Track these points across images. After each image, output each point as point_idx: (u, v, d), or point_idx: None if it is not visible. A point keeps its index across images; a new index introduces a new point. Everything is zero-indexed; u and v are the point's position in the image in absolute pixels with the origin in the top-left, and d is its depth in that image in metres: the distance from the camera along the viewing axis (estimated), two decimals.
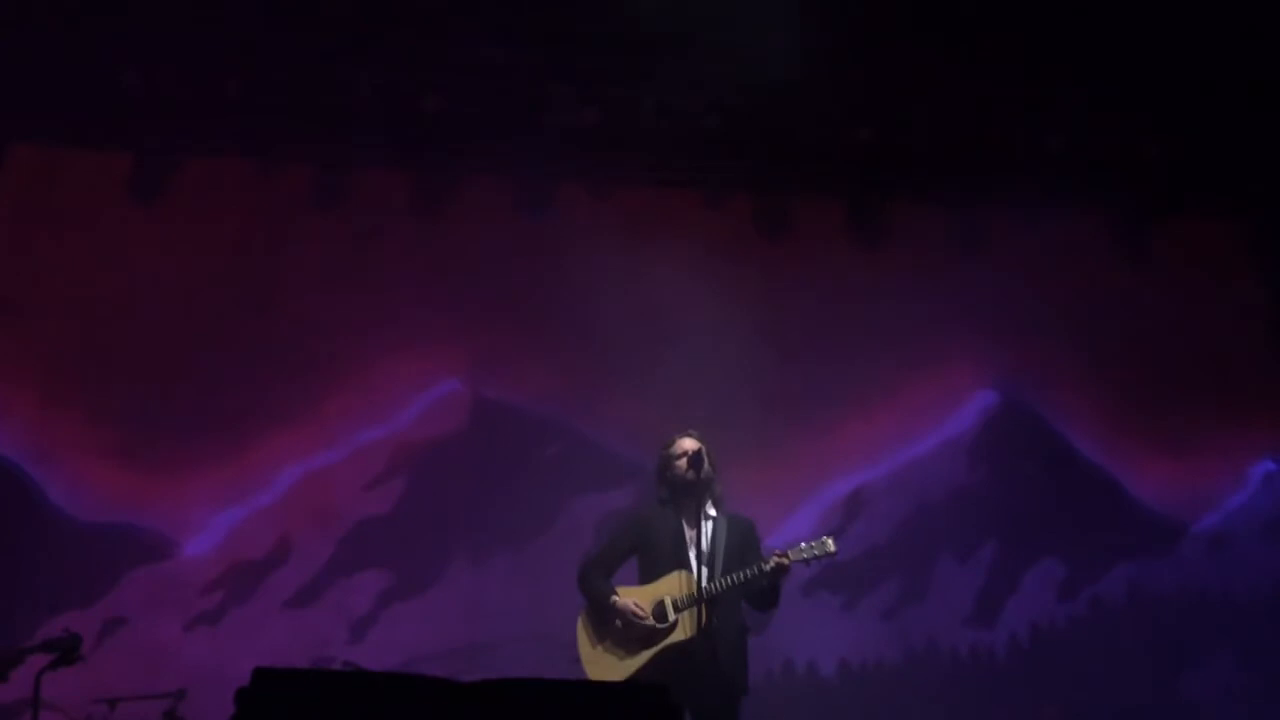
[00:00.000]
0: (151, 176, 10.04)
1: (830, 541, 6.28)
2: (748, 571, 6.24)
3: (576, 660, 6.39)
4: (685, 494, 6.37)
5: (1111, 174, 10.12)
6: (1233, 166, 10.41)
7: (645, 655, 6.22)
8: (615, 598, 6.27)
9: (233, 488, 10.01)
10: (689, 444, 6.45)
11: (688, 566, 6.28)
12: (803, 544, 6.30)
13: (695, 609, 6.12)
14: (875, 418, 10.77)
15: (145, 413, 9.80)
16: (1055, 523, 10.87)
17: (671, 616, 6.21)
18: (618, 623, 6.25)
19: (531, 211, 10.28)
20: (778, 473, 10.32)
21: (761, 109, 9.71)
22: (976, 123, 9.66)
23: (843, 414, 10.58)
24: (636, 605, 6.21)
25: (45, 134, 9.95)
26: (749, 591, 6.32)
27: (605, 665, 6.23)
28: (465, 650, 9.57)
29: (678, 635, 6.20)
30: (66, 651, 6.70)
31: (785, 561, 6.21)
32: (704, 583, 6.08)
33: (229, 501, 10.03)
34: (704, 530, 6.21)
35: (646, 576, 6.38)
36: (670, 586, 6.26)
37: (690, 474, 6.32)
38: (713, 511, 6.26)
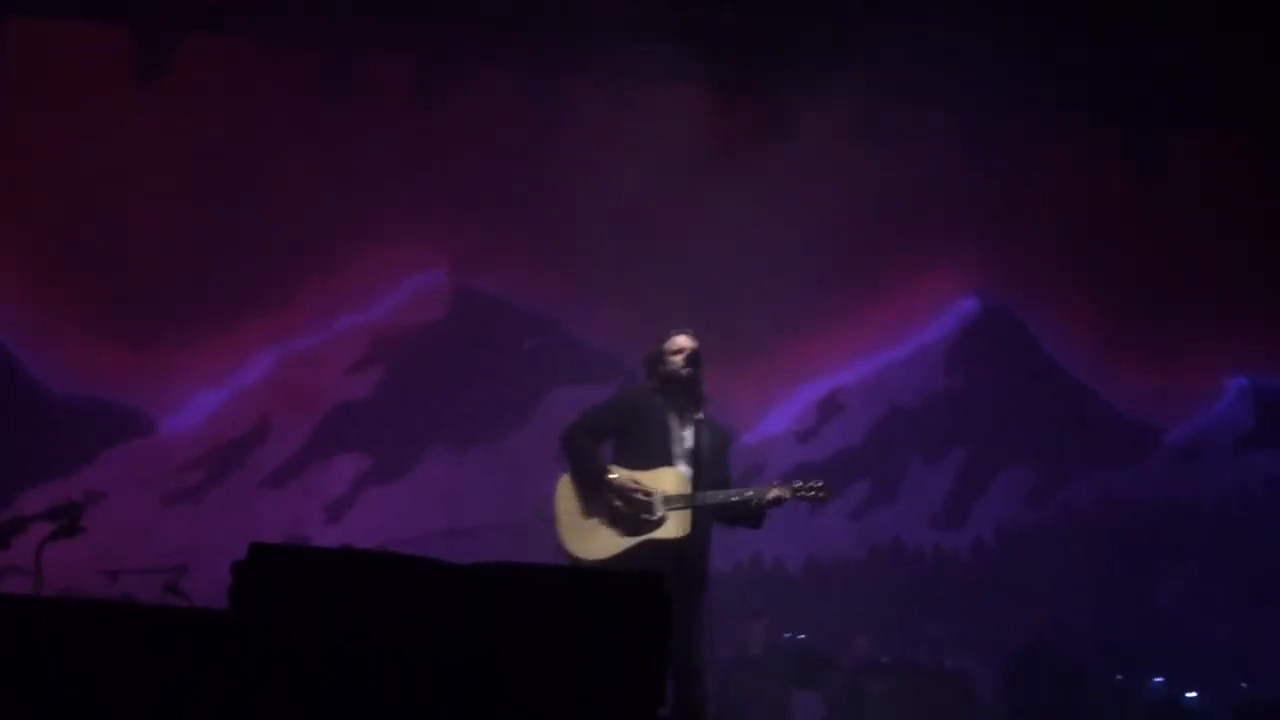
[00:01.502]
0: (149, 53, 9.84)
1: (825, 493, 6.35)
2: (747, 493, 6.28)
3: (551, 520, 6.33)
4: (676, 390, 6.39)
5: (1125, 82, 10.02)
6: (1249, 79, 10.28)
7: (629, 542, 6.24)
8: (612, 474, 6.26)
9: (213, 367, 10.02)
10: (686, 341, 6.45)
11: (674, 465, 6.33)
12: (797, 483, 6.35)
13: (685, 512, 6.17)
14: (857, 321, 10.85)
15: (129, 291, 9.75)
16: (1028, 429, 11.02)
17: (659, 512, 6.25)
18: (610, 499, 6.25)
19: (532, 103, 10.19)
20: (756, 372, 10.39)
21: (769, 5, 9.57)
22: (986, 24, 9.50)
23: (825, 316, 10.65)
24: (636, 483, 6.22)
25: (40, 7, 9.71)
26: (734, 510, 6.36)
27: (586, 539, 6.24)
28: (441, 536, 9.63)
29: (667, 532, 6.23)
30: (69, 520, 6.66)
31: (785, 496, 6.28)
32: (695, 489, 6.10)
33: (208, 381, 10.04)
34: (694, 432, 6.23)
35: (630, 462, 6.37)
36: (661, 481, 6.27)
37: (686, 371, 6.34)
38: (699, 415, 6.29)
